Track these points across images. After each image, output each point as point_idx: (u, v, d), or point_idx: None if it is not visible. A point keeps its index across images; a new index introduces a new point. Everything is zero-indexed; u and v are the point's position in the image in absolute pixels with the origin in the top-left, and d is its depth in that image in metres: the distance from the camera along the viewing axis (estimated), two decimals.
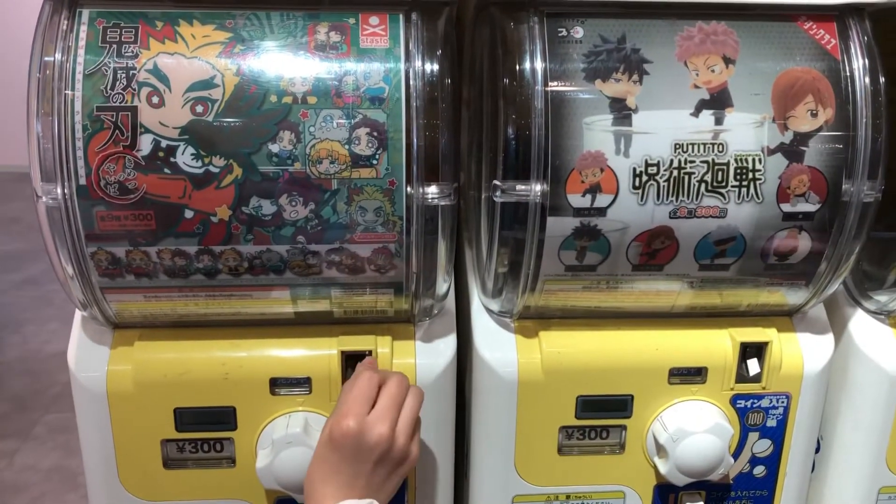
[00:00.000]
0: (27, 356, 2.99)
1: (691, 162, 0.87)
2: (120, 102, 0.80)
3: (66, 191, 0.81)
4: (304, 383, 0.93)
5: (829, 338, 1.01)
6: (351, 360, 0.94)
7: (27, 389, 2.78)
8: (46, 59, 0.81)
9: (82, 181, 0.80)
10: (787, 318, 1.01)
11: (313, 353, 0.93)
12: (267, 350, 0.94)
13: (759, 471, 1.03)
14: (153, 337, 0.93)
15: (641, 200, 0.87)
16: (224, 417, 0.93)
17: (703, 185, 0.87)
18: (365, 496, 0.80)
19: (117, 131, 0.80)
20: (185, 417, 0.93)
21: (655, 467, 0.99)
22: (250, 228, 0.83)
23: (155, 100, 0.80)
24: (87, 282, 0.86)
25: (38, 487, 2.28)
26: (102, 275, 0.85)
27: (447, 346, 0.97)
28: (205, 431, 0.94)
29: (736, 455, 1.01)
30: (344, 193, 0.83)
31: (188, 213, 0.82)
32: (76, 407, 0.93)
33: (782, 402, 1.00)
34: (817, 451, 1.08)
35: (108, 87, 0.80)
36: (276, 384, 0.93)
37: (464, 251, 1.08)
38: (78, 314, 0.94)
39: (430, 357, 0.96)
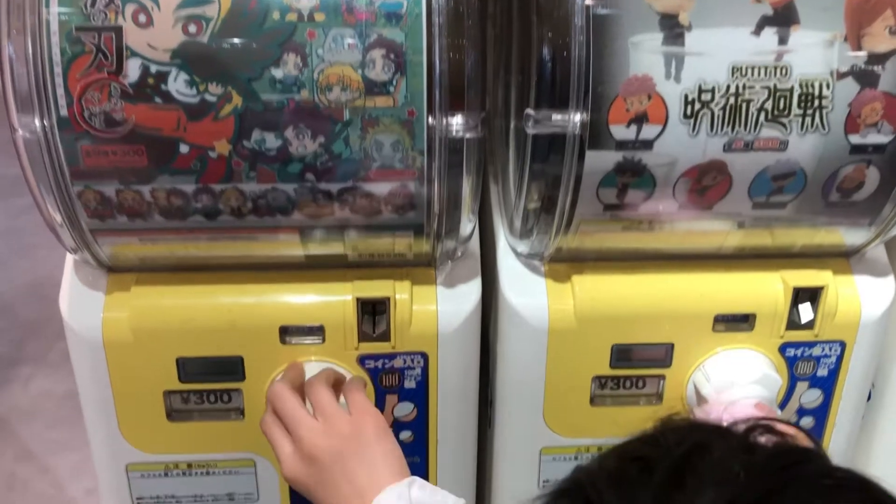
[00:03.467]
0: (38, 282, 2.95)
1: (750, 87, 0.76)
2: (102, 22, 0.70)
3: (45, 123, 0.72)
4: (316, 332, 0.86)
5: (890, 280, 0.92)
6: (367, 307, 0.86)
7: (40, 315, 2.74)
8: None
9: (63, 112, 0.71)
10: (843, 259, 0.92)
11: (326, 300, 0.86)
12: (276, 296, 0.86)
13: (807, 422, 0.96)
14: (151, 282, 0.85)
15: (693, 131, 0.77)
16: (231, 367, 0.87)
17: (762, 114, 0.77)
18: (378, 481, 0.71)
19: (100, 55, 0.70)
20: (189, 367, 0.86)
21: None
22: (253, 165, 0.75)
23: (142, 18, 0.70)
24: (75, 224, 0.78)
25: (53, 414, 2.26)
26: (92, 216, 0.77)
27: (471, 291, 0.89)
28: (211, 382, 0.88)
29: (782, 406, 0.93)
30: (357, 125, 0.74)
31: (183, 148, 0.73)
32: (71, 356, 0.86)
33: (835, 351, 0.92)
34: (868, 399, 1.00)
35: (89, 4, 0.70)
36: (287, 332, 0.86)
37: (488, 186, 0.99)
38: (69, 257, 0.86)
39: (452, 303, 0.88)
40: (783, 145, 0.78)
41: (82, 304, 0.85)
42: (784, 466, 0.43)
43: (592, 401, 0.92)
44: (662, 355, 0.90)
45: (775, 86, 0.76)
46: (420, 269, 0.89)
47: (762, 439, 0.47)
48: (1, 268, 2.95)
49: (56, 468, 2.05)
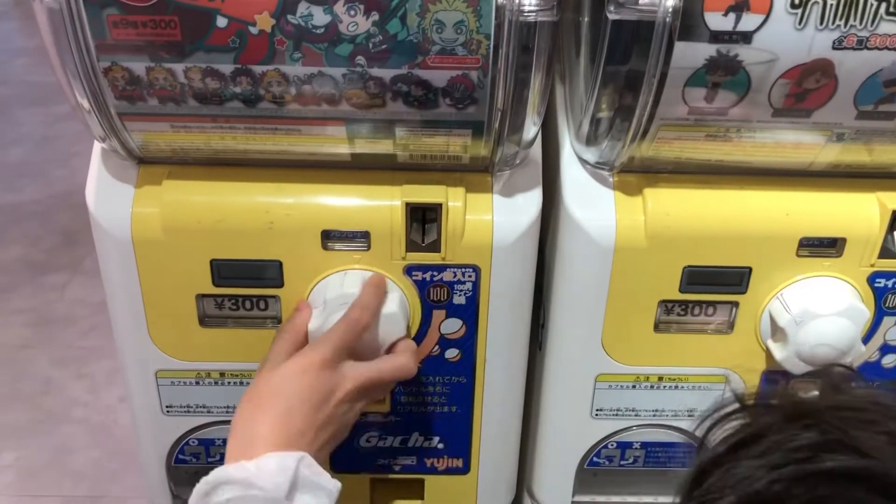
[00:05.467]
0: (75, 189, 2.92)
1: None
2: None
3: None
4: (361, 237, 0.79)
5: None
6: (416, 214, 0.79)
7: (76, 223, 2.73)
8: None
9: None
10: None
11: (373, 204, 0.78)
12: (319, 197, 0.79)
13: (890, 360, 0.88)
14: (184, 176, 0.79)
15: (799, 24, 0.67)
16: (268, 272, 0.80)
17: (883, 6, 0.67)
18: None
19: None
20: (224, 270, 0.80)
21: (768, 351, 0.84)
22: (298, 44, 0.66)
23: None
24: (102, 106, 0.70)
25: (88, 321, 2.26)
26: (120, 97, 0.70)
27: (531, 202, 0.81)
28: (246, 287, 0.81)
29: (865, 340, 0.85)
30: (416, 1, 0.65)
31: (221, 22, 0.65)
32: (98, 253, 0.80)
33: None
34: None
35: None
36: (329, 237, 0.79)
37: (554, 89, 0.89)
38: (97, 146, 0.80)
39: (510, 214, 0.80)
40: None
41: (110, 197, 0.78)
42: None
43: (657, 327, 0.85)
44: (738, 280, 0.82)
45: None
46: (476, 174, 0.81)
47: None
48: (38, 176, 2.93)
49: (91, 374, 2.05)
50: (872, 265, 0.81)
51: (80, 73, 0.68)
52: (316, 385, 0.71)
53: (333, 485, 0.68)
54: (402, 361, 0.77)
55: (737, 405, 0.42)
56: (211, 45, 0.66)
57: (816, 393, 0.43)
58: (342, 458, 0.91)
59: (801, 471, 0.36)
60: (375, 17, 0.65)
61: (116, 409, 1.95)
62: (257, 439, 0.67)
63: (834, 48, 0.68)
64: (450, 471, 0.93)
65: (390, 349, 0.79)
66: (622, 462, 0.93)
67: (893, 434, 0.37)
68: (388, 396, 0.88)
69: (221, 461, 0.91)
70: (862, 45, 0.68)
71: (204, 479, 0.66)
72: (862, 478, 0.35)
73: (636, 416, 0.90)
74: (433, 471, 0.93)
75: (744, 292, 0.83)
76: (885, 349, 0.87)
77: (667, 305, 0.84)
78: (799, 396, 0.41)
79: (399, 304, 0.79)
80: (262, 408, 0.70)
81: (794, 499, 0.35)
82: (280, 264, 0.80)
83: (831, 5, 0.66)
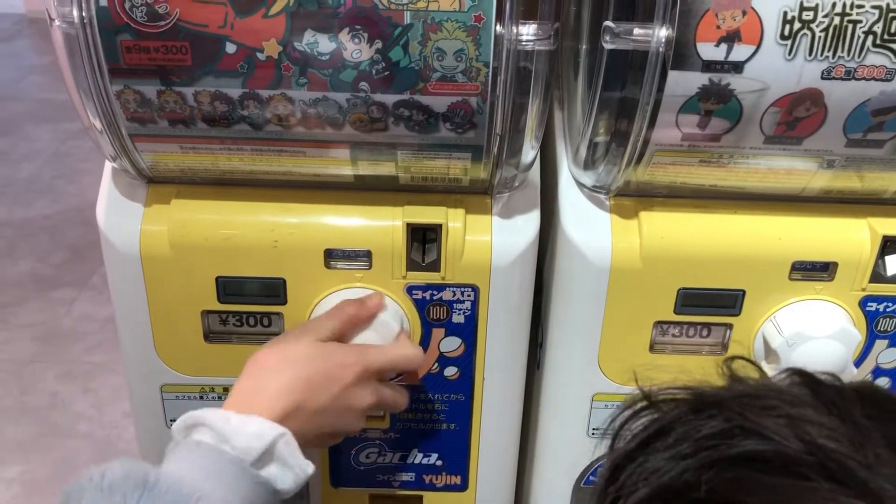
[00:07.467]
0: (84, 207, 2.96)
1: (859, 7, 0.68)
2: None
3: (84, 13, 0.67)
4: (363, 257, 0.81)
5: None
6: (417, 234, 0.81)
7: (84, 240, 2.76)
8: None
9: (103, 2, 0.66)
10: None
11: (375, 224, 0.81)
12: (322, 217, 0.81)
13: (882, 383, 0.89)
14: (192, 195, 0.81)
15: (789, 55, 0.69)
16: (272, 290, 0.82)
17: (870, 39, 0.69)
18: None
19: None
20: (229, 287, 0.82)
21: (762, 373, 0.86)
22: (304, 70, 0.69)
23: None
24: (113, 127, 0.73)
25: (94, 337, 2.28)
26: (131, 119, 0.72)
27: (529, 223, 0.83)
28: (251, 304, 0.84)
29: (857, 363, 0.86)
30: (418, 30, 0.67)
31: (230, 48, 0.68)
32: (107, 269, 0.82)
33: None
34: None
35: None
36: (332, 256, 0.81)
37: (552, 114, 0.92)
38: (108, 165, 0.82)
39: (508, 235, 0.82)
40: (889, 74, 0.70)
41: (120, 214, 0.81)
42: None
43: (652, 348, 0.87)
44: (732, 303, 0.84)
45: (888, 6, 0.68)
46: (475, 196, 0.83)
47: None
48: (48, 192, 2.97)
49: (96, 390, 2.07)
50: (864, 289, 0.83)
51: (93, 94, 0.70)
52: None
53: (306, 464, 0.68)
54: (412, 350, 0.79)
55: (645, 402, 0.44)
56: (220, 70, 0.69)
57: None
58: (342, 473, 0.93)
59: (708, 458, 0.38)
60: (378, 44, 0.68)
61: (121, 424, 1.96)
62: (262, 394, 0.70)
63: (823, 78, 0.70)
64: (448, 487, 0.94)
65: None
66: None
67: (791, 417, 0.39)
68: (387, 414, 0.89)
69: None
70: (850, 75, 0.70)
71: (190, 413, 0.67)
72: (766, 459, 0.38)
73: None
74: (432, 487, 0.94)
75: (737, 314, 0.84)
76: (877, 372, 0.88)
77: (662, 326, 0.86)
78: (702, 389, 0.43)
79: (392, 315, 0.81)
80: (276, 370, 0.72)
81: (704, 485, 0.37)
82: (284, 282, 0.82)
83: (820, 37, 0.69)
